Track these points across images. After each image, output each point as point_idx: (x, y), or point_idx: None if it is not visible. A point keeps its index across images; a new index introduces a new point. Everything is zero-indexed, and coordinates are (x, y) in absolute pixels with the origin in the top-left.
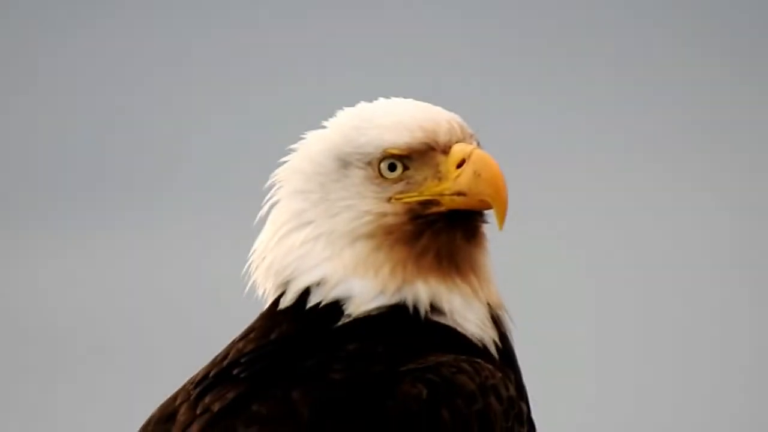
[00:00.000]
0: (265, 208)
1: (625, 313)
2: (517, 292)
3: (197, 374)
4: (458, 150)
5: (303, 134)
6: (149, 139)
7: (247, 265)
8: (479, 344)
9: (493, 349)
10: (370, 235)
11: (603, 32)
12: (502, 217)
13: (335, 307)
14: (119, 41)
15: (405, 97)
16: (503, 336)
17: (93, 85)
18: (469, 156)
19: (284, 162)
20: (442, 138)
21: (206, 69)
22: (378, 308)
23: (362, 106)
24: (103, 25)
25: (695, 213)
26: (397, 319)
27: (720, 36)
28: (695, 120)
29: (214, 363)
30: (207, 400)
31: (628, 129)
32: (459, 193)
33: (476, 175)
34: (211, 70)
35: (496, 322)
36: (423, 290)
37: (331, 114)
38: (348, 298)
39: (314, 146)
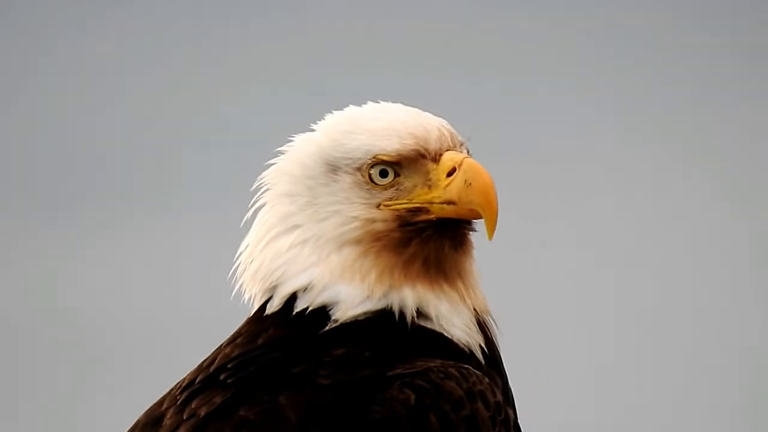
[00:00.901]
0: (251, 211)
1: (614, 316)
2: (503, 297)
3: (184, 379)
4: (449, 158)
5: (292, 137)
6: (145, 139)
7: (233, 268)
8: (466, 350)
9: (479, 355)
10: (357, 241)
11: (615, 27)
12: (492, 228)
13: (322, 312)
14: (115, 42)
15: (398, 100)
16: (490, 341)
17: (89, 90)
18: (460, 165)
19: (271, 164)
20: (433, 145)
21: (203, 72)
22: (365, 313)
23: (351, 110)
24: (100, 24)
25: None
26: (383, 324)
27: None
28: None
29: (201, 368)
30: (194, 404)
31: (631, 130)
32: (449, 202)
33: (467, 184)
34: (207, 73)
35: (483, 327)
36: (410, 296)
37: (321, 116)
38: (335, 304)
39: (302, 149)
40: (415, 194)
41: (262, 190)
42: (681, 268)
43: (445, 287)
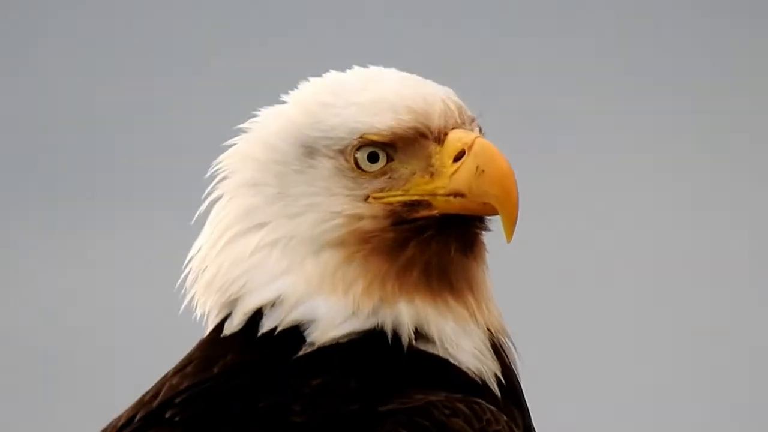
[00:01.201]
0: (204, 205)
1: (653, 337)
2: (524, 314)
3: (120, 416)
4: (456, 139)
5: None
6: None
7: (181, 277)
8: (477, 379)
9: (494, 386)
10: (339, 243)
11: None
12: (511, 225)
13: (295, 332)
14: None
15: (394, 66)
16: (507, 369)
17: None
18: (471, 147)
19: (231, 146)
20: (436, 122)
21: (176, 68)
22: (349, 334)
23: (333, 76)
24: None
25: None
26: (373, 347)
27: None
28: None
29: (142, 402)
30: None
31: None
32: (456, 194)
33: (479, 171)
34: (180, 68)
35: (498, 351)
36: (406, 312)
37: (293, 84)
38: (311, 322)
39: (270, 126)
40: (412, 184)
41: (218, 179)
42: (730, 283)
43: (451, 301)
